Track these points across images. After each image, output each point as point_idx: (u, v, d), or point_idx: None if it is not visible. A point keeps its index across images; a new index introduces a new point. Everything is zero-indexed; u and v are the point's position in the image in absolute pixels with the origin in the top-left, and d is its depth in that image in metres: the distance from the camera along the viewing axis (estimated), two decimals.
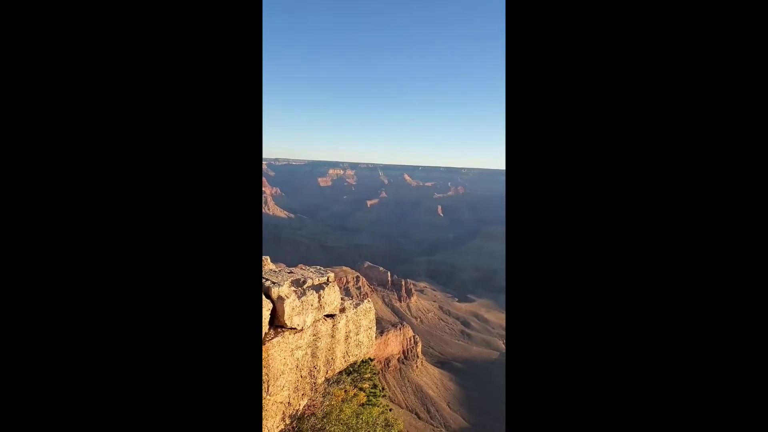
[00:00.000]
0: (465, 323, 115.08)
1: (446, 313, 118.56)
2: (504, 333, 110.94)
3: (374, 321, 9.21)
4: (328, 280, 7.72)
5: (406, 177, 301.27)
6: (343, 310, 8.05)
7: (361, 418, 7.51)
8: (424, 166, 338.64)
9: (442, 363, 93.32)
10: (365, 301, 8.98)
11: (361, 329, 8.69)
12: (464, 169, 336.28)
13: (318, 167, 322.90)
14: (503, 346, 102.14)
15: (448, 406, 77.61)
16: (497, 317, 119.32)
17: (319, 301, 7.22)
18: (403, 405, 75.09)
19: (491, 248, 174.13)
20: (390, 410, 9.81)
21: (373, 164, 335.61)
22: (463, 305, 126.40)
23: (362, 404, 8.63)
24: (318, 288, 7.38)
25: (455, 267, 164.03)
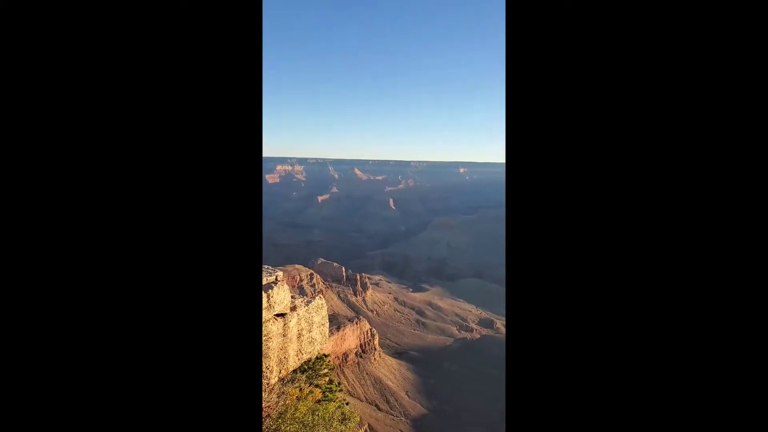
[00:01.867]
0: (420, 312, 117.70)
1: (401, 304, 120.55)
2: (456, 319, 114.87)
3: (327, 317, 9.18)
4: (276, 279, 7.58)
5: (357, 171, 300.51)
6: (294, 308, 7.96)
7: (317, 415, 7.50)
8: (375, 160, 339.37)
9: (399, 353, 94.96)
10: (317, 297, 8.92)
11: (314, 326, 8.64)
12: (414, 162, 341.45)
13: (265, 163, 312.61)
14: (456, 332, 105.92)
15: (407, 395, 79.32)
16: (449, 304, 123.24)
17: (267, 301, 7.08)
18: (363, 398, 75.62)
19: (442, 238, 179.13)
20: (347, 404, 9.86)
21: (323, 159, 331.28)
22: (417, 295, 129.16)
23: (318, 401, 8.60)
24: (266, 288, 7.23)
25: (408, 258, 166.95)
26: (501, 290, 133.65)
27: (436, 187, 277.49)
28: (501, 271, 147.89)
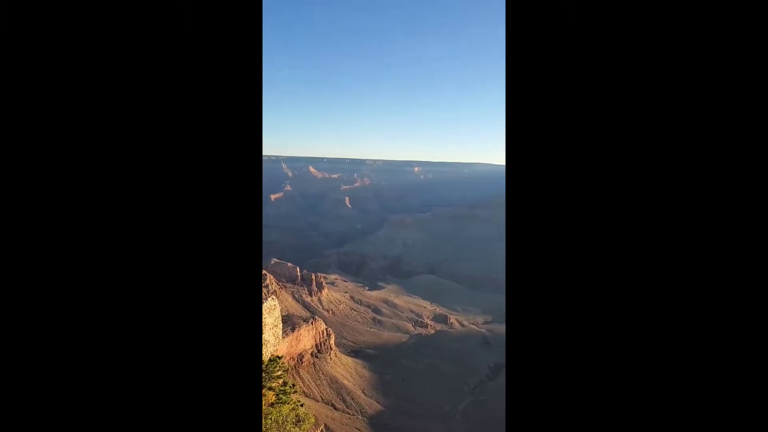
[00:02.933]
0: (376, 310, 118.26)
1: (358, 303, 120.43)
2: (412, 315, 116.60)
3: (280, 318, 9.00)
4: None
5: (311, 169, 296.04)
6: None
7: (270, 418, 7.34)
8: (330, 158, 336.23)
9: (355, 352, 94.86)
10: (269, 299, 8.72)
11: (266, 328, 8.45)
12: (369, 160, 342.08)
13: None
14: (412, 329, 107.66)
15: (363, 393, 79.46)
16: (405, 301, 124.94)
17: None
18: (319, 398, 74.78)
19: (398, 236, 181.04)
20: (302, 405, 9.73)
21: (276, 156, 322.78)
22: (374, 293, 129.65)
23: (271, 404, 8.42)
24: None
25: (365, 256, 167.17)
26: (454, 286, 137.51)
27: (392, 186, 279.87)
28: (454, 268, 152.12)
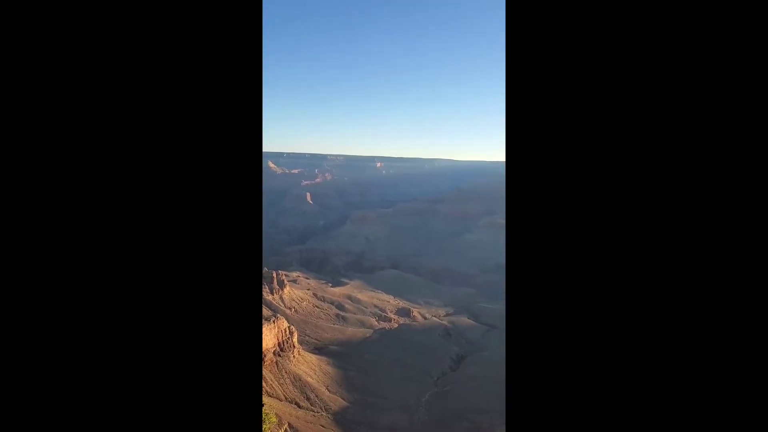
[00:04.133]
0: (339, 306, 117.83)
1: (320, 300, 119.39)
2: (375, 310, 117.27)
3: None
4: None
5: (271, 164, 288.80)
6: None
7: None
8: (290, 153, 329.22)
9: (319, 349, 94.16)
10: None
11: None
12: (330, 155, 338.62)
13: None
14: (375, 323, 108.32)
15: (328, 390, 79.13)
16: (368, 296, 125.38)
17: None
18: (282, 397, 73.67)
19: (360, 232, 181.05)
20: (263, 405, 9.52)
21: None
22: (337, 289, 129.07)
23: None
24: None
25: (327, 253, 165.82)
26: (417, 279, 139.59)
27: (354, 181, 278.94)
28: (416, 261, 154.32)
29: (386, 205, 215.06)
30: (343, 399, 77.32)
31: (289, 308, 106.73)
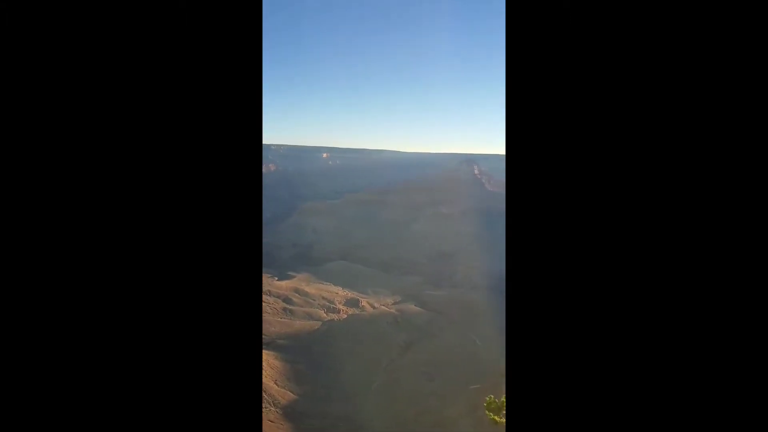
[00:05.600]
0: (287, 300, 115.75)
1: (267, 294, 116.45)
2: (323, 302, 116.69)
3: None
4: None
5: None
6: None
7: None
8: None
9: (266, 344, 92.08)
10: None
11: None
12: (274, 145, 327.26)
13: None
14: (324, 315, 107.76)
15: (276, 384, 77.85)
16: (316, 288, 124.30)
17: None
18: None
19: (308, 223, 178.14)
20: None
21: None
22: (284, 283, 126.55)
23: None
24: None
25: (274, 246, 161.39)
26: (365, 270, 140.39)
27: (300, 172, 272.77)
28: (365, 252, 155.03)
29: (335, 197, 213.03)
30: (291, 392, 76.50)
31: None
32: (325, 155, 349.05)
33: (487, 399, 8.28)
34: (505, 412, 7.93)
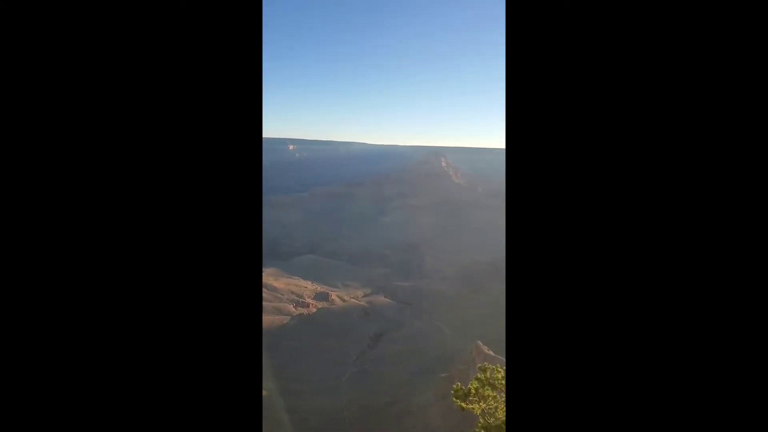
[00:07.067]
0: None
1: None
2: (292, 297, 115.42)
3: None
4: None
5: None
6: None
7: None
8: None
9: None
10: None
11: None
12: None
13: None
14: (293, 310, 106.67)
15: None
16: (285, 283, 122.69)
17: None
18: None
19: (275, 217, 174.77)
20: None
21: None
22: None
23: None
24: None
25: None
26: (334, 263, 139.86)
27: (268, 165, 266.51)
28: (334, 245, 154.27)
29: (302, 189, 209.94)
30: (263, 388, 75.49)
31: None
32: (291, 147, 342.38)
33: (454, 387, 8.53)
34: (471, 398, 8.21)
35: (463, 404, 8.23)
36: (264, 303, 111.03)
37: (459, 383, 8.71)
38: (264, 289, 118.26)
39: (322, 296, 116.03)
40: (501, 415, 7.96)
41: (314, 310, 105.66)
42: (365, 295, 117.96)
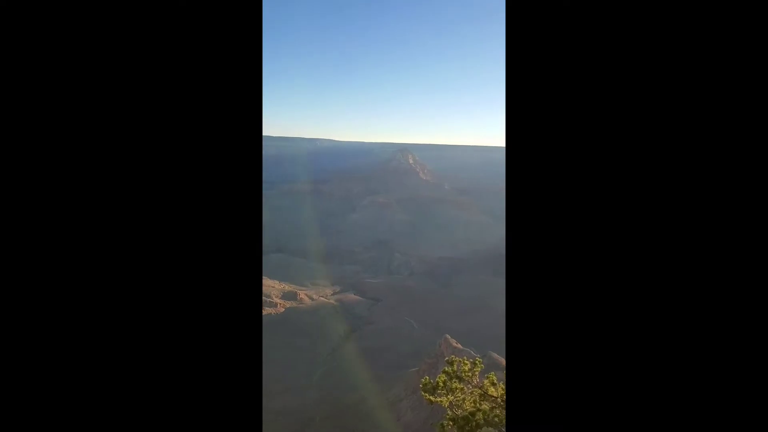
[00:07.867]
0: None
1: None
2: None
3: None
4: None
5: None
6: None
7: None
8: None
9: None
10: None
11: None
12: None
13: None
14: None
15: None
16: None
17: None
18: None
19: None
20: None
21: None
22: None
23: None
24: None
25: None
26: (302, 262, 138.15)
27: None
28: (300, 244, 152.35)
29: (267, 187, 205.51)
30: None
31: None
32: None
33: (423, 380, 8.66)
34: (439, 391, 8.36)
35: (431, 398, 8.35)
36: None
37: (428, 377, 8.83)
38: None
39: (290, 296, 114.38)
40: (468, 406, 8.15)
41: (282, 309, 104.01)
42: (334, 293, 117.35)
